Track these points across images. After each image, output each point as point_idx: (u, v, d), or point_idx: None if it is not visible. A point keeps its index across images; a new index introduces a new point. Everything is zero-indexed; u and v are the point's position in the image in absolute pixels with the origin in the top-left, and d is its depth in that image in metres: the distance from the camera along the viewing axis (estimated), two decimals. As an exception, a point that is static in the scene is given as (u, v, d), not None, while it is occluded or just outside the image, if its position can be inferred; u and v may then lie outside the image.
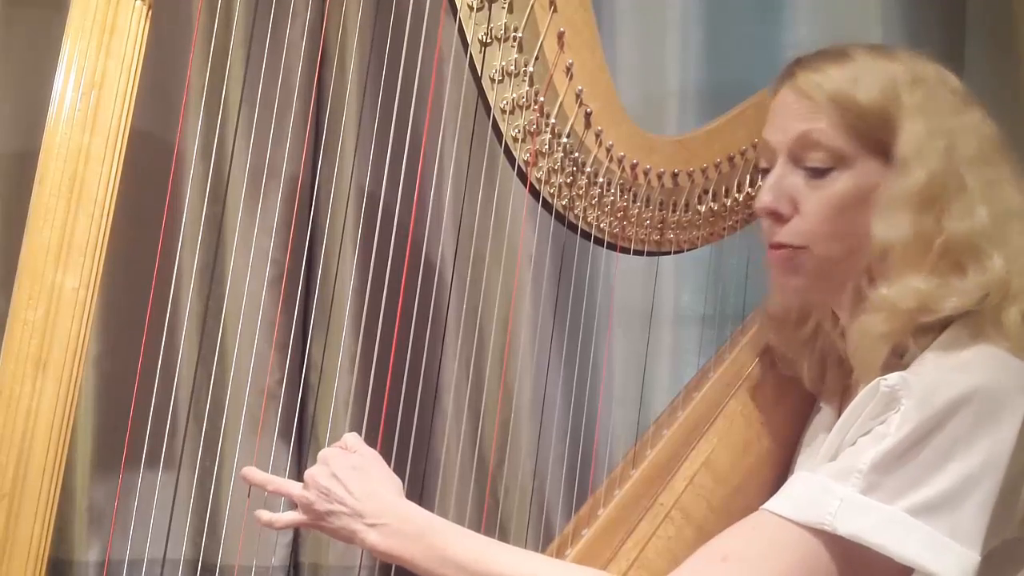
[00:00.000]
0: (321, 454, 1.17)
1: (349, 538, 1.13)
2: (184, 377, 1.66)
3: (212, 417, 1.66)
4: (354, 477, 1.14)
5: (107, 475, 1.71)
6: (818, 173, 1.14)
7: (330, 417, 1.70)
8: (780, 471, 1.30)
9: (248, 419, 1.65)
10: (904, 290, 1.07)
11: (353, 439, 1.19)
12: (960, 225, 1.08)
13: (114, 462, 1.69)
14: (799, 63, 1.17)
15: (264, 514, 1.19)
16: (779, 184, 1.16)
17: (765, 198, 1.16)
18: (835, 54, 1.16)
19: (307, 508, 1.15)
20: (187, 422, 1.69)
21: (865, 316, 1.10)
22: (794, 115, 1.15)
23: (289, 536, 1.74)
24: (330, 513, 1.13)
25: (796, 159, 1.15)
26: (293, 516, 1.17)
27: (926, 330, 1.08)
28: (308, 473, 1.15)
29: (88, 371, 1.67)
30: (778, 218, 1.16)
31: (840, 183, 1.13)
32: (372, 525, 1.12)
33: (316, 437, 1.70)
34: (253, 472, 1.19)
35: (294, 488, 1.16)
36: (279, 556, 1.72)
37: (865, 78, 1.13)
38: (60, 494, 1.12)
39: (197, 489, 1.70)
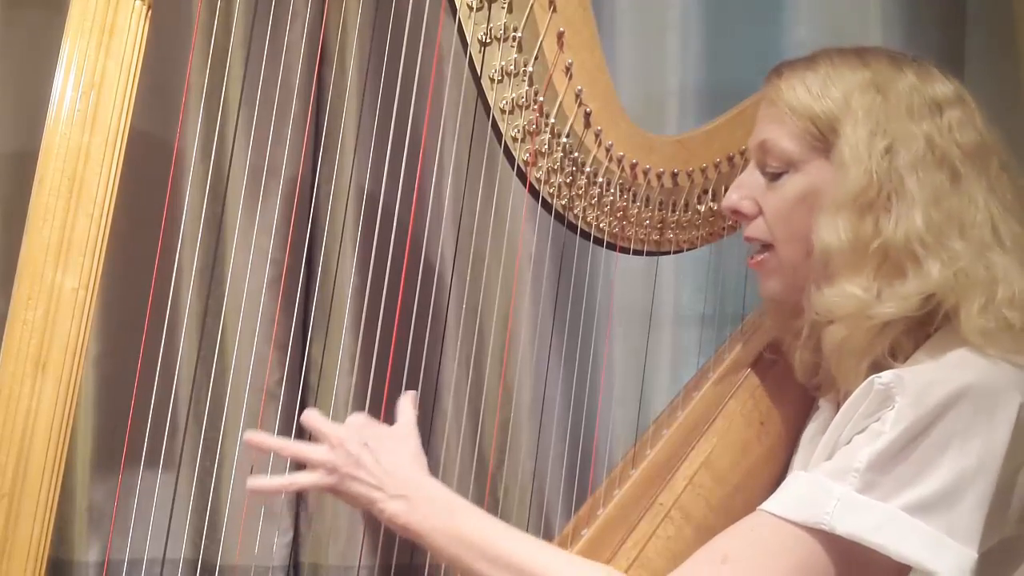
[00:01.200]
0: (351, 419, 1.16)
1: (366, 505, 1.13)
2: (184, 377, 1.66)
3: (212, 417, 1.67)
4: (384, 448, 1.14)
5: (107, 475, 1.71)
6: (776, 176, 1.18)
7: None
8: (779, 470, 1.30)
9: (248, 418, 1.65)
10: (840, 296, 1.09)
11: (406, 406, 1.19)
12: (897, 229, 1.08)
13: (114, 462, 1.69)
14: (775, 70, 1.20)
15: (276, 480, 1.18)
16: (743, 184, 1.21)
17: (731, 197, 1.22)
18: (805, 62, 1.18)
19: (331, 470, 1.13)
20: (187, 422, 1.69)
21: (827, 330, 1.11)
22: (761, 121, 1.20)
23: (289, 536, 1.73)
24: (354, 479, 1.13)
25: (759, 163, 1.20)
26: (312, 477, 1.15)
27: (919, 329, 1.09)
28: (337, 436, 1.14)
29: (88, 371, 1.67)
30: (743, 216, 1.21)
31: (790, 185, 1.16)
32: (395, 496, 1.11)
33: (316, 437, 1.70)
34: (261, 437, 1.17)
35: (314, 452, 1.15)
36: (279, 556, 1.72)
37: (822, 86, 1.14)
38: (60, 494, 1.12)
39: (197, 489, 1.70)
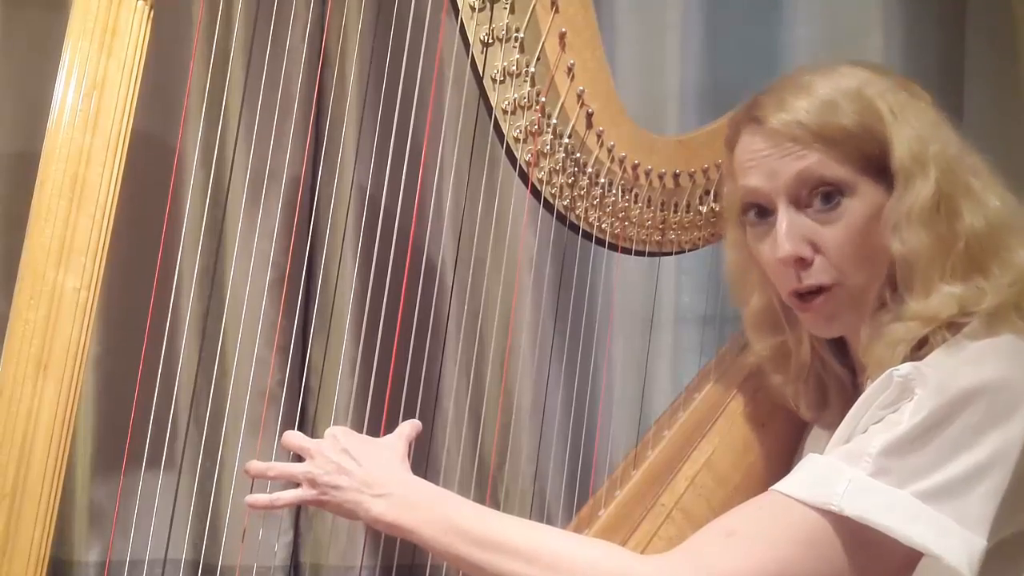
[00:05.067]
0: (329, 431, 1.16)
1: (353, 511, 1.12)
2: (185, 379, 1.66)
3: (212, 419, 1.66)
4: (365, 453, 1.13)
5: (108, 476, 1.71)
6: (828, 206, 1.12)
7: (331, 420, 1.69)
8: (782, 471, 1.29)
9: (248, 422, 1.64)
10: (943, 298, 1.08)
11: (406, 427, 1.20)
12: (976, 221, 1.09)
13: (115, 463, 1.69)
14: (758, 107, 1.16)
15: (262, 497, 1.17)
16: (793, 229, 1.13)
17: (787, 247, 1.13)
18: (794, 87, 1.15)
19: (312, 482, 1.13)
20: (188, 424, 1.70)
21: (895, 325, 1.10)
22: (780, 159, 1.13)
23: (289, 536, 1.74)
24: (336, 487, 1.12)
25: (798, 199, 1.14)
26: (295, 493, 1.15)
27: (945, 328, 1.08)
28: (316, 447, 1.14)
29: (89, 372, 1.67)
30: (802, 263, 1.14)
31: (852, 211, 1.12)
32: (379, 495, 1.10)
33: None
34: (253, 464, 1.17)
35: (297, 467, 1.15)
36: (279, 556, 1.72)
37: (837, 102, 1.12)
38: (61, 495, 1.12)
39: (198, 490, 1.70)
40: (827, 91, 1.13)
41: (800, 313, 1.19)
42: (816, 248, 1.14)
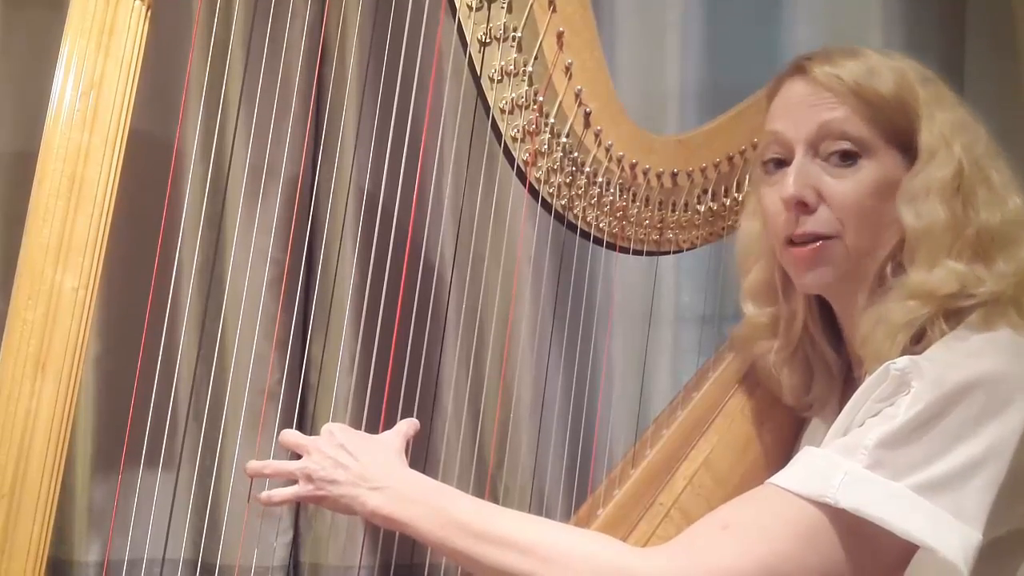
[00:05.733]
0: (326, 427, 1.16)
1: (349, 506, 1.12)
2: (184, 376, 1.66)
3: (212, 416, 1.67)
4: (362, 448, 1.13)
5: (107, 475, 1.71)
6: (844, 163, 1.14)
7: (330, 415, 1.70)
8: (780, 469, 1.30)
9: (248, 418, 1.65)
10: (947, 273, 1.08)
11: (404, 425, 1.20)
12: (993, 214, 1.10)
13: (114, 461, 1.70)
14: (809, 58, 1.17)
15: (261, 494, 1.17)
16: (802, 174, 1.15)
17: (791, 188, 1.15)
18: (844, 50, 1.17)
19: (309, 477, 1.13)
20: (187, 421, 1.69)
21: (891, 304, 1.10)
22: (812, 106, 1.15)
23: (289, 536, 1.74)
24: (332, 481, 1.12)
25: (816, 149, 1.15)
26: (293, 489, 1.15)
27: (943, 319, 1.09)
28: (312, 443, 1.14)
29: (88, 370, 1.67)
30: (804, 208, 1.15)
31: (867, 172, 1.13)
32: (375, 489, 1.11)
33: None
34: (251, 464, 1.18)
35: (293, 464, 1.15)
36: (279, 556, 1.72)
37: (881, 71, 1.14)
38: (60, 494, 1.12)
39: (197, 488, 1.70)
40: (875, 61, 1.15)
41: (787, 257, 1.19)
42: (822, 198, 1.15)
